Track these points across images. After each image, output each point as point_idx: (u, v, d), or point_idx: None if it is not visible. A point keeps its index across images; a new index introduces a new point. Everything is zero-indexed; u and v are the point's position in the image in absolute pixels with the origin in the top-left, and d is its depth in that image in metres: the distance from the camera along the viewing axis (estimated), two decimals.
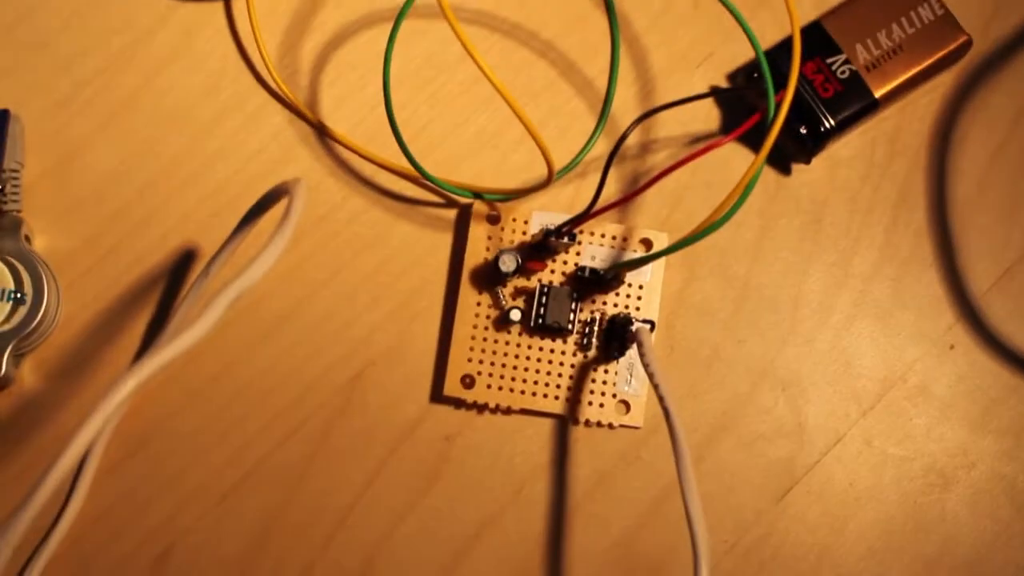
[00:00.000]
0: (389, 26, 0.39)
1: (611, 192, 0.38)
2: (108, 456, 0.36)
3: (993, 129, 0.40)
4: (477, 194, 0.37)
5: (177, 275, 0.37)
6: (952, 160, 0.40)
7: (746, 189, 0.31)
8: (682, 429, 0.31)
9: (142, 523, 0.36)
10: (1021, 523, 0.38)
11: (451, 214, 0.38)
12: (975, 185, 0.40)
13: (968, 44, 0.39)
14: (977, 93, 0.40)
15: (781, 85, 0.34)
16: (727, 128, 0.39)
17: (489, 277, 0.37)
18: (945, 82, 0.40)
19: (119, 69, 0.38)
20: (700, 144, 0.39)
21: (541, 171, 0.38)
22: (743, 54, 0.40)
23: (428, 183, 0.38)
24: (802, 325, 0.39)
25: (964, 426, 0.38)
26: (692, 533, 0.30)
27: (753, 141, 0.39)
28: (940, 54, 0.38)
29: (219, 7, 0.39)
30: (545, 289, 0.36)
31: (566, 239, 0.35)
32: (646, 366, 0.34)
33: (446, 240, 0.38)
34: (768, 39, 0.39)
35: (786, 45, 0.38)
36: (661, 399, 0.32)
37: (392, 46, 0.34)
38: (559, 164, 0.38)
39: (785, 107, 0.31)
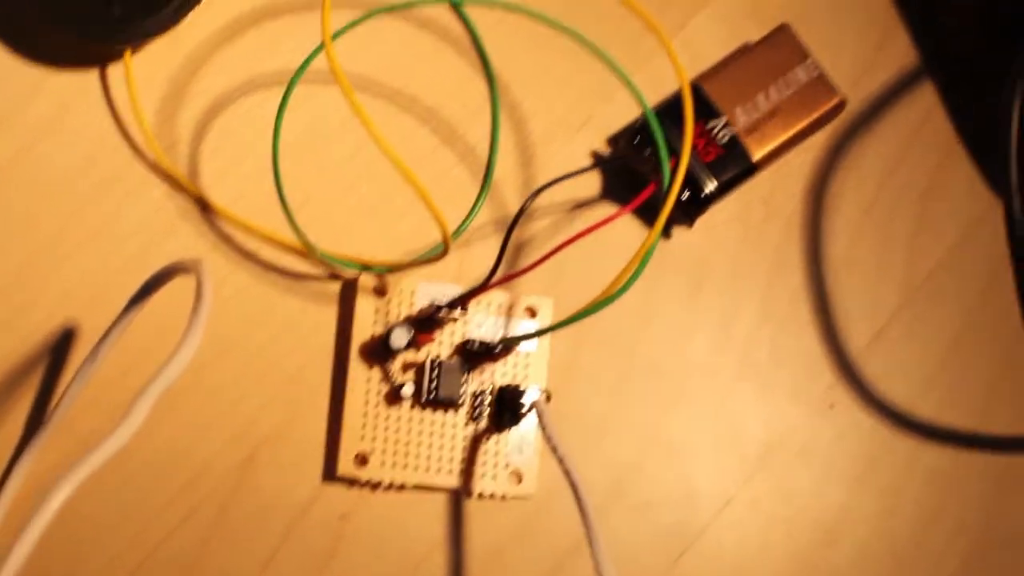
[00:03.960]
0: (270, 93, 0.45)
1: (492, 262, 0.44)
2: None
3: (863, 188, 0.49)
4: (364, 267, 0.44)
5: (61, 357, 0.42)
6: (825, 220, 0.49)
7: (641, 262, 0.38)
8: (590, 502, 0.39)
9: None
10: None
11: (336, 287, 0.44)
12: (848, 245, 0.48)
13: (842, 105, 0.47)
14: (847, 154, 0.50)
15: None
16: (609, 192, 0.47)
17: (378, 352, 0.43)
18: (817, 143, 0.48)
19: None
20: (584, 209, 0.47)
21: (425, 240, 0.45)
22: (622, 116, 0.47)
23: (312, 256, 0.45)
24: (687, 390, 0.46)
25: (846, 484, 0.47)
26: None
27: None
28: (816, 115, 0.46)
29: (94, 76, 0.44)
30: (436, 364, 0.43)
31: (456, 311, 0.43)
32: (548, 439, 0.40)
33: (332, 314, 0.44)
34: (648, 101, 0.48)
35: (666, 109, 0.46)
36: (567, 472, 0.40)
37: (281, 119, 0.41)
38: (440, 235, 0.47)
39: (679, 178, 0.38)
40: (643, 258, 0.39)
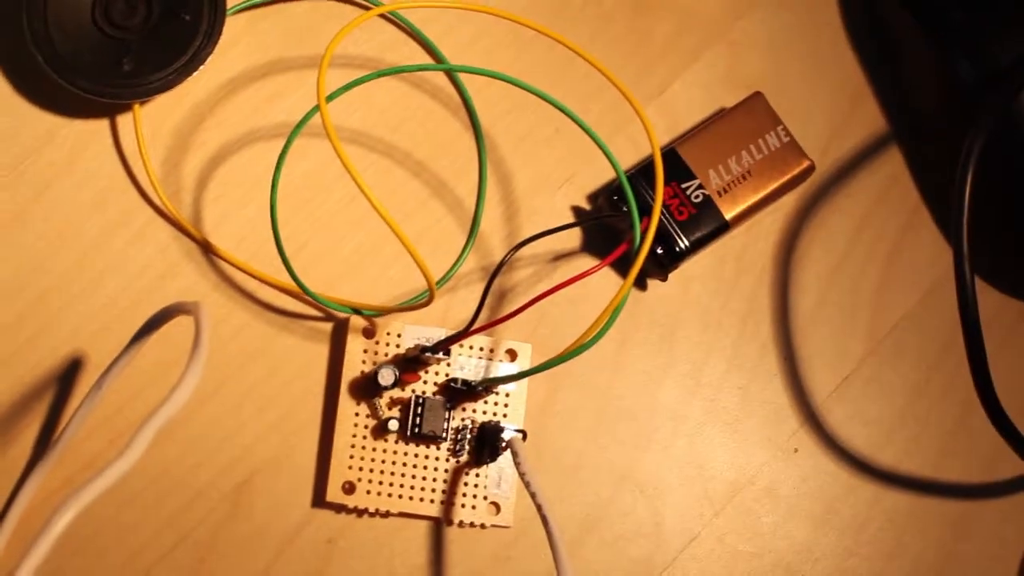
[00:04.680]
0: (269, 145, 0.49)
1: (475, 308, 0.48)
2: (2, 567, 0.45)
3: (831, 247, 0.53)
4: (355, 310, 0.48)
5: (68, 387, 0.46)
6: (794, 276, 0.53)
7: (613, 313, 0.42)
8: (560, 536, 0.42)
9: None
10: None
11: (329, 327, 0.49)
12: (815, 299, 0.53)
13: (811, 169, 0.51)
14: (817, 214, 0.54)
15: (640, 206, 0.46)
16: (588, 245, 0.51)
17: (366, 388, 0.48)
18: (788, 203, 0.53)
19: (8, 185, 0.47)
20: (563, 260, 0.52)
21: (414, 285, 0.50)
22: (602, 175, 0.52)
23: (307, 298, 0.49)
24: (658, 432, 0.50)
25: (808, 524, 0.51)
26: None
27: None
28: (785, 179, 0.51)
29: (104, 125, 0.48)
30: (420, 400, 0.47)
31: (440, 354, 0.48)
32: (522, 475, 0.44)
33: (324, 352, 0.48)
34: (625, 162, 0.52)
35: (644, 170, 0.50)
36: (539, 507, 0.43)
37: (279, 171, 0.46)
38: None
39: (649, 238, 0.42)
40: (614, 310, 0.43)
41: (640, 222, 0.46)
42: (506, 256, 0.46)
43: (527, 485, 0.44)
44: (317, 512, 0.48)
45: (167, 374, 0.47)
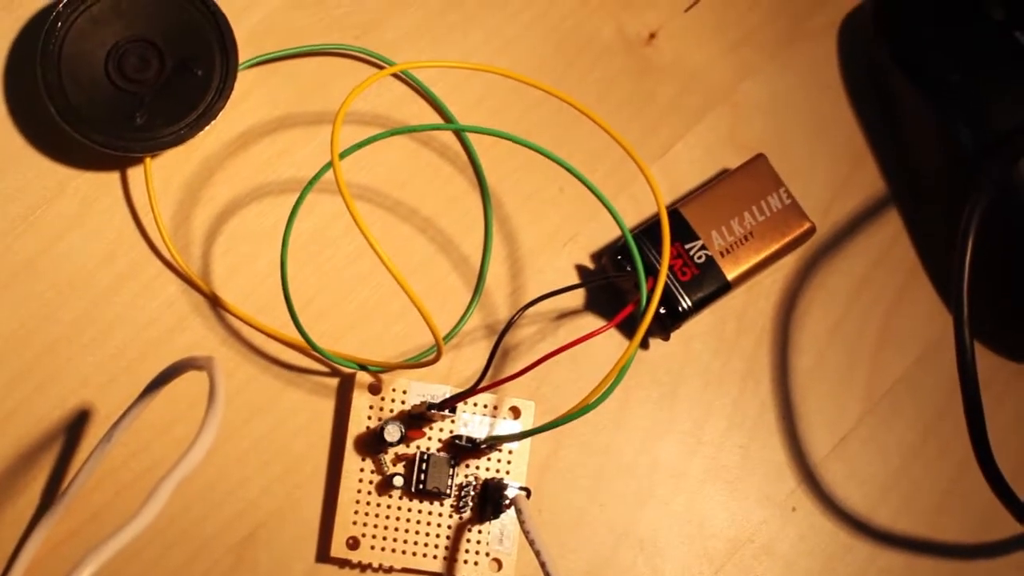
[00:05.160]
0: (278, 200, 0.50)
1: (480, 364, 0.49)
2: None
3: (830, 308, 0.54)
4: (362, 366, 0.49)
5: (76, 437, 0.47)
6: (794, 336, 0.54)
7: (619, 374, 0.42)
8: None
9: None
10: None
11: (334, 382, 0.49)
12: (815, 358, 0.54)
13: (812, 230, 0.52)
14: (816, 275, 0.55)
15: (644, 266, 0.47)
16: (592, 304, 0.52)
17: (372, 444, 0.48)
18: (788, 263, 0.54)
19: (19, 234, 0.48)
20: (568, 319, 0.53)
21: (419, 342, 0.51)
22: (606, 234, 0.53)
23: (314, 353, 0.49)
24: (658, 489, 0.51)
25: None
26: None
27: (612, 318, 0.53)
28: (787, 240, 0.52)
29: (115, 177, 0.49)
30: (425, 457, 0.48)
31: (446, 411, 0.48)
32: (526, 533, 0.45)
33: (330, 407, 0.49)
34: (629, 221, 0.53)
35: (647, 230, 0.51)
36: (543, 564, 0.43)
37: (291, 226, 0.47)
38: (432, 339, 0.52)
39: (656, 298, 0.43)
40: (620, 371, 0.43)
41: (645, 282, 0.46)
42: (514, 316, 0.46)
43: (531, 543, 0.45)
44: (321, 567, 0.49)
45: (173, 427, 0.48)
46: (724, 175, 0.53)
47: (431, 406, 0.47)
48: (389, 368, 0.49)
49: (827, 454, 0.53)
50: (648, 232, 0.50)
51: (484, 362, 0.49)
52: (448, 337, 0.50)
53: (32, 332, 0.48)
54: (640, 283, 0.46)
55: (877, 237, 0.55)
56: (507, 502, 0.48)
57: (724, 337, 0.53)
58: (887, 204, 0.56)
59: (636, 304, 0.47)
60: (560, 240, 0.52)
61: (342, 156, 0.45)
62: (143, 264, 0.50)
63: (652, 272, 0.48)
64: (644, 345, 0.52)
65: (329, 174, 0.44)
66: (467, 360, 0.50)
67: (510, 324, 0.46)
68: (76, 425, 0.48)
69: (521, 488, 0.48)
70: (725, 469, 0.52)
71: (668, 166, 0.54)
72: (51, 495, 0.47)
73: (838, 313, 0.54)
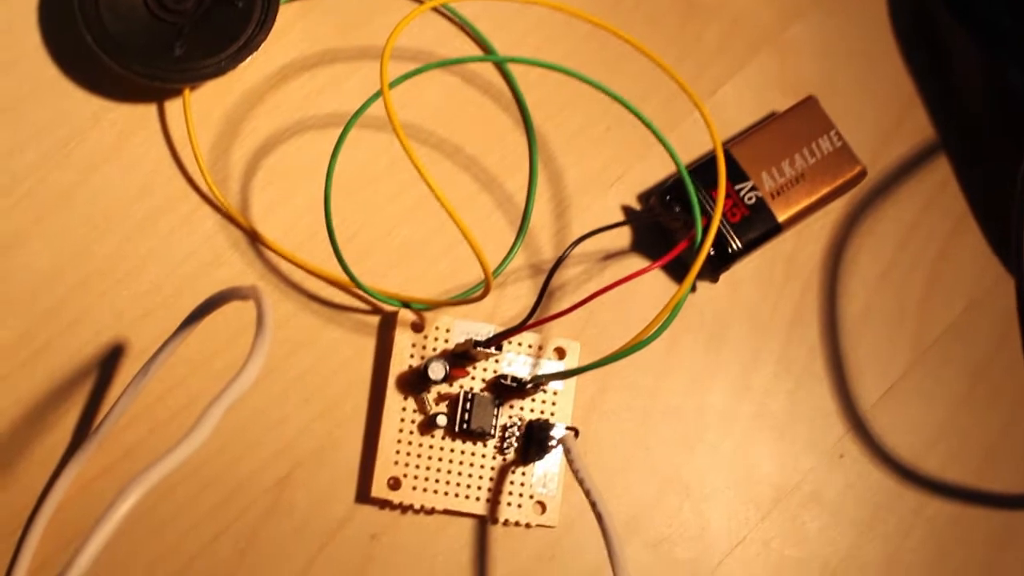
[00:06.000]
0: (320, 134, 0.48)
1: (527, 304, 0.49)
2: (40, 552, 0.44)
3: (879, 254, 0.52)
4: (405, 303, 0.47)
5: (109, 373, 0.45)
6: (843, 281, 0.52)
7: (673, 310, 0.40)
8: (616, 532, 0.41)
9: None
10: None
11: (375, 320, 0.47)
12: (863, 305, 0.51)
13: (863, 174, 0.50)
14: (865, 220, 0.53)
15: (690, 209, 0.45)
16: (637, 245, 0.49)
17: (414, 383, 0.46)
18: (837, 208, 0.51)
19: (54, 166, 0.45)
20: (612, 260, 0.50)
21: (462, 280, 0.48)
22: (653, 174, 0.50)
23: (355, 289, 0.47)
24: (705, 434, 0.49)
25: (853, 530, 0.49)
26: None
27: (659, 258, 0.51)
28: (838, 183, 0.49)
29: (152, 110, 0.47)
30: (469, 396, 0.46)
31: (492, 349, 0.46)
32: (575, 472, 0.43)
33: (370, 345, 0.47)
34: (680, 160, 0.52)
35: (696, 171, 0.48)
36: (593, 504, 0.41)
37: (335, 159, 0.44)
38: (478, 277, 0.49)
39: (711, 235, 0.41)
40: (674, 307, 0.41)
41: (700, 218, 0.45)
42: (566, 251, 0.44)
43: (581, 482, 0.42)
44: (360, 508, 0.46)
45: (211, 362, 0.45)
46: (774, 117, 0.50)
47: (477, 343, 0.45)
48: (434, 305, 0.46)
49: (875, 402, 0.50)
50: (697, 172, 0.48)
51: (528, 302, 0.47)
52: (493, 275, 0.47)
53: (66, 266, 0.46)
54: (695, 219, 0.44)
55: (926, 183, 0.53)
56: (553, 443, 0.45)
57: (772, 281, 0.50)
58: (936, 150, 0.53)
59: (691, 241, 0.44)
60: (606, 180, 0.50)
61: (390, 87, 0.42)
62: (180, 198, 0.47)
63: (702, 213, 0.45)
64: (692, 288, 0.49)
65: (372, 109, 0.42)
66: (511, 299, 0.48)
67: (563, 258, 0.44)
68: (109, 361, 0.45)
69: (568, 428, 0.45)
70: (773, 415, 0.49)
71: (715, 108, 0.52)
72: (83, 432, 0.45)
73: (887, 259, 0.52)
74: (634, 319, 0.48)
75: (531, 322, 0.44)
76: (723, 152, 0.47)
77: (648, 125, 0.44)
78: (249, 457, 0.46)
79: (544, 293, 0.44)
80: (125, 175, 0.47)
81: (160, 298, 0.46)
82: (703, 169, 0.48)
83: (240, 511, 0.45)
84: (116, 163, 0.47)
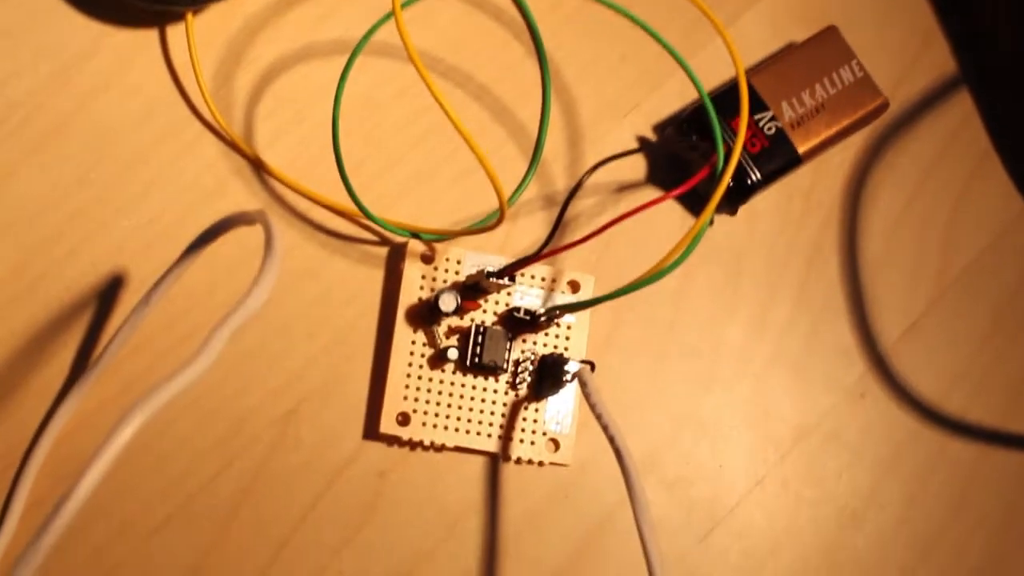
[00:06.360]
0: (325, 61, 0.46)
1: (540, 235, 0.47)
2: (37, 486, 0.43)
3: (900, 189, 0.50)
4: (415, 233, 0.45)
5: (108, 304, 0.43)
6: (863, 216, 0.50)
7: (693, 240, 0.38)
8: (635, 468, 0.39)
9: (68, 558, 0.43)
10: (921, 571, 0.49)
11: (383, 251, 0.45)
12: (884, 241, 0.49)
13: (885, 106, 0.48)
14: (885, 154, 0.51)
15: (710, 138, 0.43)
16: (652, 177, 0.48)
17: (424, 315, 0.44)
18: (856, 142, 0.49)
19: (51, 93, 0.43)
20: (627, 191, 0.48)
21: (472, 211, 0.46)
22: (669, 104, 0.48)
23: (362, 220, 0.45)
24: (722, 371, 0.47)
25: (873, 471, 0.47)
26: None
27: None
28: (859, 114, 0.47)
29: (153, 35, 0.45)
30: (481, 329, 0.44)
31: (505, 280, 0.44)
32: (593, 407, 0.41)
33: (378, 277, 0.45)
34: (691, 94, 0.50)
35: (715, 100, 0.47)
36: (611, 439, 0.40)
37: (344, 83, 0.42)
38: (489, 207, 0.47)
39: (734, 161, 0.39)
40: (695, 237, 0.39)
41: (722, 145, 0.43)
42: (582, 178, 0.42)
43: (599, 417, 0.40)
44: (368, 444, 0.44)
45: (213, 293, 0.43)
46: (793, 47, 0.48)
47: (490, 274, 0.42)
48: (446, 236, 0.44)
49: (896, 339, 0.48)
50: (716, 101, 0.46)
51: (540, 234, 0.46)
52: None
53: (64, 194, 0.44)
54: (717, 147, 0.42)
55: (947, 118, 0.51)
56: (568, 377, 0.43)
57: (790, 216, 0.48)
58: (958, 83, 0.51)
59: (711, 169, 0.42)
60: (621, 110, 0.48)
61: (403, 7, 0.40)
62: (182, 125, 0.45)
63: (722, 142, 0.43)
64: (710, 222, 0.47)
65: (379, 36, 0.42)
66: (523, 232, 0.46)
67: (579, 184, 0.42)
68: (108, 292, 0.43)
69: (583, 361, 0.43)
70: (791, 353, 0.47)
71: (734, 38, 0.49)
72: (81, 364, 0.43)
73: (907, 194, 0.50)
74: (649, 252, 0.46)
75: (546, 251, 0.42)
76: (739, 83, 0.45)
77: (669, 49, 0.42)
78: (252, 391, 0.44)
79: (561, 219, 0.42)
80: (125, 102, 0.45)
81: (161, 228, 0.44)
82: (722, 98, 0.46)
83: (242, 447, 0.43)
84: (116, 89, 0.45)
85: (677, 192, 0.42)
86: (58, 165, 0.44)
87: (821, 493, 0.47)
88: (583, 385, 0.42)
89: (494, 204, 0.45)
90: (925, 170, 0.50)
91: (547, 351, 0.45)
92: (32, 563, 0.28)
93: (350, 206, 0.43)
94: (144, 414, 0.29)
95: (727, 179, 0.40)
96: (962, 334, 0.49)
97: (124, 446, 0.29)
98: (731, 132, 0.46)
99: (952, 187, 0.51)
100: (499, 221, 0.41)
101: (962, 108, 0.51)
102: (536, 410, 0.45)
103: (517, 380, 0.44)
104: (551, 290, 0.45)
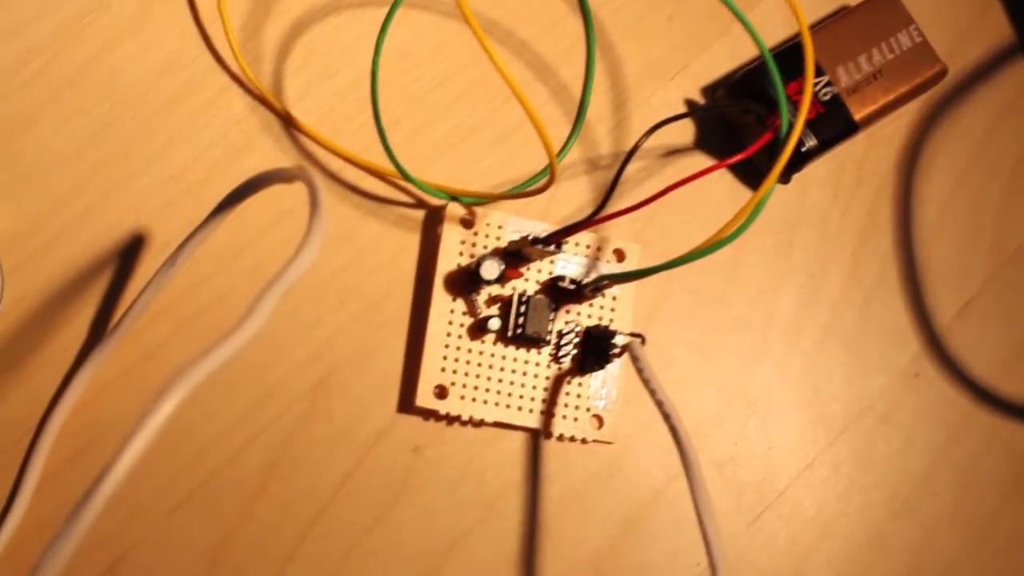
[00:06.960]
0: (358, 12, 0.42)
1: (583, 202, 0.44)
2: (53, 457, 0.40)
3: (955, 159, 0.47)
4: (454, 196, 0.42)
5: (129, 265, 0.40)
6: (917, 187, 0.47)
7: (756, 208, 0.36)
8: (691, 445, 0.36)
9: (89, 533, 0.40)
10: (973, 558, 0.46)
11: (420, 214, 0.42)
12: (939, 213, 0.46)
13: (943, 72, 0.45)
14: (940, 124, 0.48)
15: (764, 102, 0.41)
16: (701, 142, 0.45)
17: (463, 283, 0.41)
18: (910, 110, 0.46)
19: (69, 41, 0.40)
20: (674, 157, 0.45)
21: (514, 174, 0.43)
22: (717, 67, 0.45)
23: (399, 181, 0.42)
24: (773, 347, 0.44)
25: (926, 455, 0.45)
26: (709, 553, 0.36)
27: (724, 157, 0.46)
28: (917, 81, 0.44)
29: None
30: (524, 299, 0.41)
31: (551, 247, 0.41)
32: (646, 382, 0.38)
33: (414, 241, 0.42)
34: (744, 55, 0.47)
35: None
36: (667, 416, 0.37)
37: (384, 33, 0.39)
38: (529, 171, 0.44)
39: (800, 124, 0.37)
40: (757, 204, 0.37)
41: (771, 116, 0.40)
42: (640, 139, 0.39)
43: (652, 393, 0.37)
44: (403, 418, 0.41)
45: (240, 256, 0.40)
46: (848, 10, 0.45)
47: (535, 240, 0.39)
48: (487, 199, 0.41)
49: (952, 318, 0.45)
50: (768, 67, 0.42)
51: (584, 200, 0.43)
52: (542, 173, 0.42)
53: (81, 149, 0.40)
54: (781, 108, 0.39)
55: (1005, 85, 0.48)
56: (616, 351, 0.40)
57: (843, 186, 0.45)
58: (1014, 52, 0.48)
59: (774, 134, 0.39)
60: (668, 71, 0.45)
61: None
62: (207, 78, 0.42)
63: (774, 107, 0.40)
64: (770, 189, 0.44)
65: None
66: (566, 197, 0.43)
67: (636, 146, 0.39)
68: (129, 252, 0.40)
69: (632, 334, 0.40)
70: (844, 329, 0.44)
71: (783, 2, 0.45)
72: (100, 330, 0.40)
73: (963, 165, 0.47)
74: (696, 220, 0.44)
75: (598, 217, 0.39)
76: (796, 45, 0.44)
77: (729, 5, 0.39)
78: (280, 361, 0.41)
79: (617, 183, 0.39)
80: (147, 52, 0.42)
81: (184, 186, 0.41)
82: (777, 61, 0.42)
83: (269, 420, 0.41)
84: (137, 38, 0.42)
85: (738, 158, 0.39)
86: (76, 117, 0.41)
87: (873, 478, 0.44)
88: (635, 360, 0.39)
89: (534, 168, 0.43)
90: (980, 141, 0.48)
91: (591, 323, 0.42)
92: (65, 550, 0.26)
93: (385, 166, 0.40)
94: (184, 388, 0.26)
95: (792, 144, 0.37)
96: (1019, 312, 0.47)
97: (165, 421, 0.26)
98: (789, 98, 0.42)
99: (1009, 157, 0.48)
100: (549, 183, 0.38)
101: (1019, 78, 0.48)
102: (580, 385, 0.42)
103: (560, 353, 0.41)
104: (596, 259, 0.42)
